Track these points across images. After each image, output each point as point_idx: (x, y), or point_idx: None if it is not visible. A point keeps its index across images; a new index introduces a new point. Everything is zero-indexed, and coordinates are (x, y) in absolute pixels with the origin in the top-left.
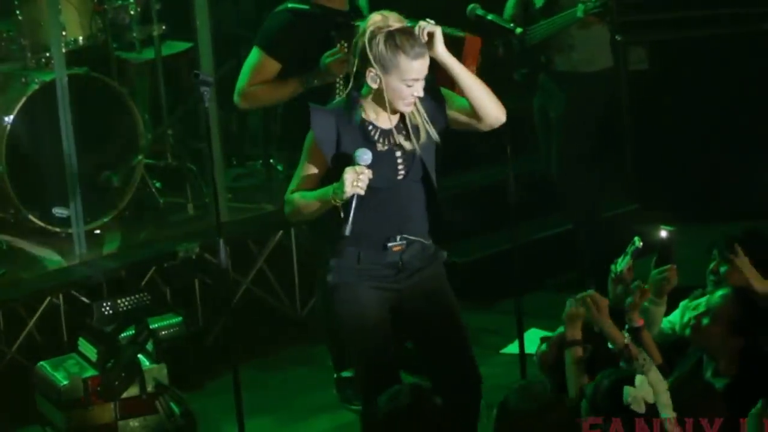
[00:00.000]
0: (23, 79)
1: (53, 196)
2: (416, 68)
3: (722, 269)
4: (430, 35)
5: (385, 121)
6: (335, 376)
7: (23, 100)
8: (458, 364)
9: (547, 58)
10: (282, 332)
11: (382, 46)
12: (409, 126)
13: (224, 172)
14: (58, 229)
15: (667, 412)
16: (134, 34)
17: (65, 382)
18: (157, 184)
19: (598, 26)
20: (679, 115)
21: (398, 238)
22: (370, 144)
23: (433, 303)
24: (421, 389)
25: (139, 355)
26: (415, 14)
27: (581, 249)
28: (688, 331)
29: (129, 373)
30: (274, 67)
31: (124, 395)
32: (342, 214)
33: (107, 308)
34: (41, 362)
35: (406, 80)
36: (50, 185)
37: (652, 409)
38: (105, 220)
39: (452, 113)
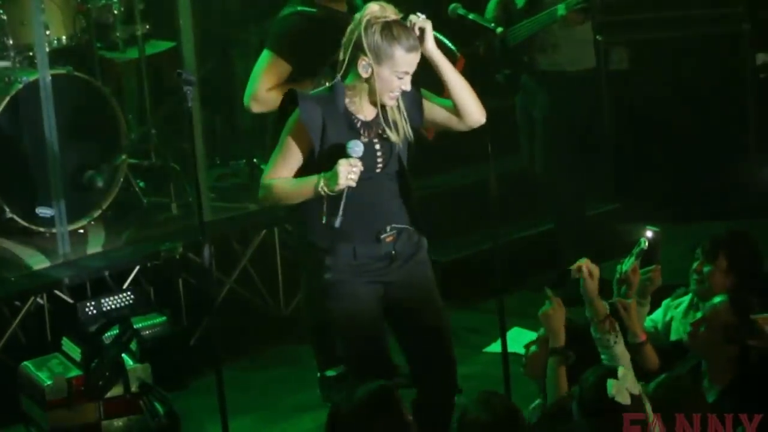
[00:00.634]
0: (7, 79)
1: (37, 196)
2: (409, 61)
3: (705, 269)
4: (421, 30)
5: (367, 112)
6: (318, 375)
7: (7, 99)
8: (435, 350)
9: (530, 58)
10: (266, 332)
11: (378, 35)
12: (390, 120)
13: (208, 172)
14: (41, 229)
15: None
16: (118, 34)
17: (49, 382)
18: (141, 184)
19: (581, 26)
20: (659, 114)
21: (388, 228)
22: (355, 133)
23: (417, 290)
24: (385, 387)
25: (123, 355)
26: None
27: (563, 248)
28: (685, 338)
29: (113, 372)
30: (285, 69)
31: (108, 395)
32: (326, 206)
33: (91, 308)
34: (25, 362)
35: (398, 72)
36: (34, 185)
37: (637, 402)
38: (89, 219)
39: (430, 112)
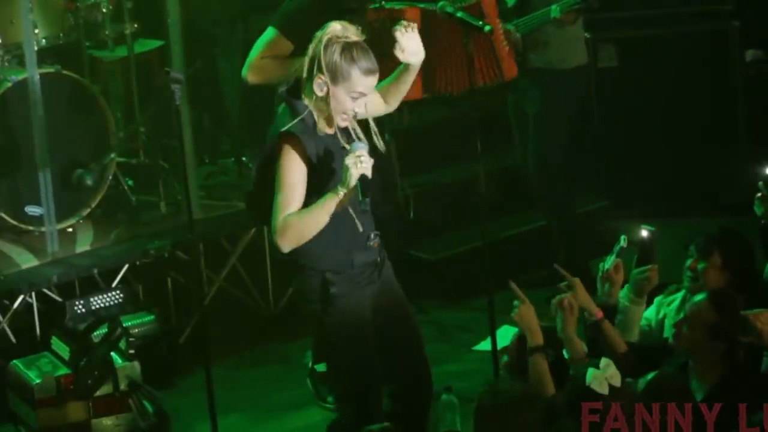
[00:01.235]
0: None
1: (26, 194)
2: (365, 84)
3: (700, 266)
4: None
5: (328, 129)
6: (310, 366)
7: None
8: (409, 348)
9: (522, 56)
10: (255, 330)
11: (337, 55)
12: (351, 129)
13: (196, 170)
14: (30, 228)
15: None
16: (107, 32)
17: (38, 381)
18: (130, 182)
19: (572, 25)
20: (649, 111)
21: (372, 234)
22: (338, 149)
23: (388, 292)
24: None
25: (112, 354)
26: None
27: (555, 245)
28: (671, 339)
29: (102, 371)
30: (287, 46)
31: (98, 393)
32: (360, 196)
33: (80, 306)
34: (14, 361)
35: (353, 93)
36: (23, 183)
37: (617, 392)
38: (78, 218)
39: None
